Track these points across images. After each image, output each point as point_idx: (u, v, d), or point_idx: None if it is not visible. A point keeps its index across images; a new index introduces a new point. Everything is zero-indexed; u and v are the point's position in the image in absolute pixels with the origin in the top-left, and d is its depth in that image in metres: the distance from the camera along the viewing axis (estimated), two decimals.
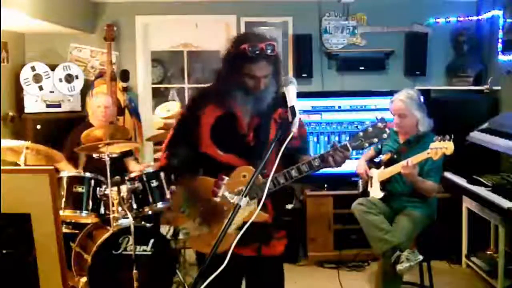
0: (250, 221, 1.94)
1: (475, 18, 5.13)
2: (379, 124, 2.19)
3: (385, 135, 2.18)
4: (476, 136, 4.27)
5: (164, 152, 2.45)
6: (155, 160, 5.60)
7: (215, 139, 2.33)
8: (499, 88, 4.83)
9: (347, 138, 2.24)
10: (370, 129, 2.19)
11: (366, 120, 4.88)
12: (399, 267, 3.44)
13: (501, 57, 4.67)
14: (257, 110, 2.30)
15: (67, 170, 3.96)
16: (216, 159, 2.33)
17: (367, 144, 2.18)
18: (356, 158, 4.06)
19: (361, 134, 2.19)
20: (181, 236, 2.46)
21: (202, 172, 2.39)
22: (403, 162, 3.42)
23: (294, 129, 2.02)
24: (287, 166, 2.23)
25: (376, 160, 3.95)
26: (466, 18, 5.14)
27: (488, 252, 4.41)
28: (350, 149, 2.19)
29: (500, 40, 4.66)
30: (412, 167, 3.39)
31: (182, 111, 2.51)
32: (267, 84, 2.25)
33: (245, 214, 2.20)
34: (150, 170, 4.02)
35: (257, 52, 2.15)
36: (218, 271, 1.84)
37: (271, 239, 2.41)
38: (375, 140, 2.19)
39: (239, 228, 2.19)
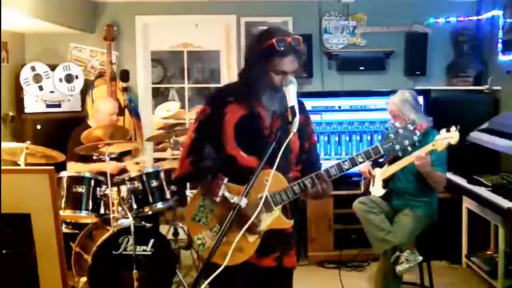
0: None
1: (475, 18, 5.12)
2: (410, 126, 2.16)
3: (415, 137, 2.14)
4: (476, 136, 4.27)
5: (186, 158, 2.25)
6: (155, 160, 5.59)
7: (238, 139, 2.21)
8: (499, 88, 4.83)
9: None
10: (401, 130, 2.15)
11: (366, 120, 4.89)
12: (398, 267, 3.44)
13: (501, 57, 4.66)
14: (280, 111, 2.18)
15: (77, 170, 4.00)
16: (238, 161, 2.21)
17: (398, 146, 2.13)
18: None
19: (392, 136, 2.15)
20: (195, 247, 2.30)
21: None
22: (415, 154, 3.38)
23: (294, 129, 2.02)
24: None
25: (379, 160, 3.96)
26: (466, 18, 5.13)
27: (488, 252, 4.41)
28: (382, 151, 2.14)
29: (500, 40, 4.65)
30: (426, 156, 3.38)
31: (203, 109, 2.28)
32: None
33: (268, 222, 2.19)
34: (150, 170, 4.02)
35: (285, 45, 2.08)
36: (214, 275, 1.82)
37: (291, 248, 2.35)
38: (406, 142, 2.14)
39: (261, 237, 2.20)
